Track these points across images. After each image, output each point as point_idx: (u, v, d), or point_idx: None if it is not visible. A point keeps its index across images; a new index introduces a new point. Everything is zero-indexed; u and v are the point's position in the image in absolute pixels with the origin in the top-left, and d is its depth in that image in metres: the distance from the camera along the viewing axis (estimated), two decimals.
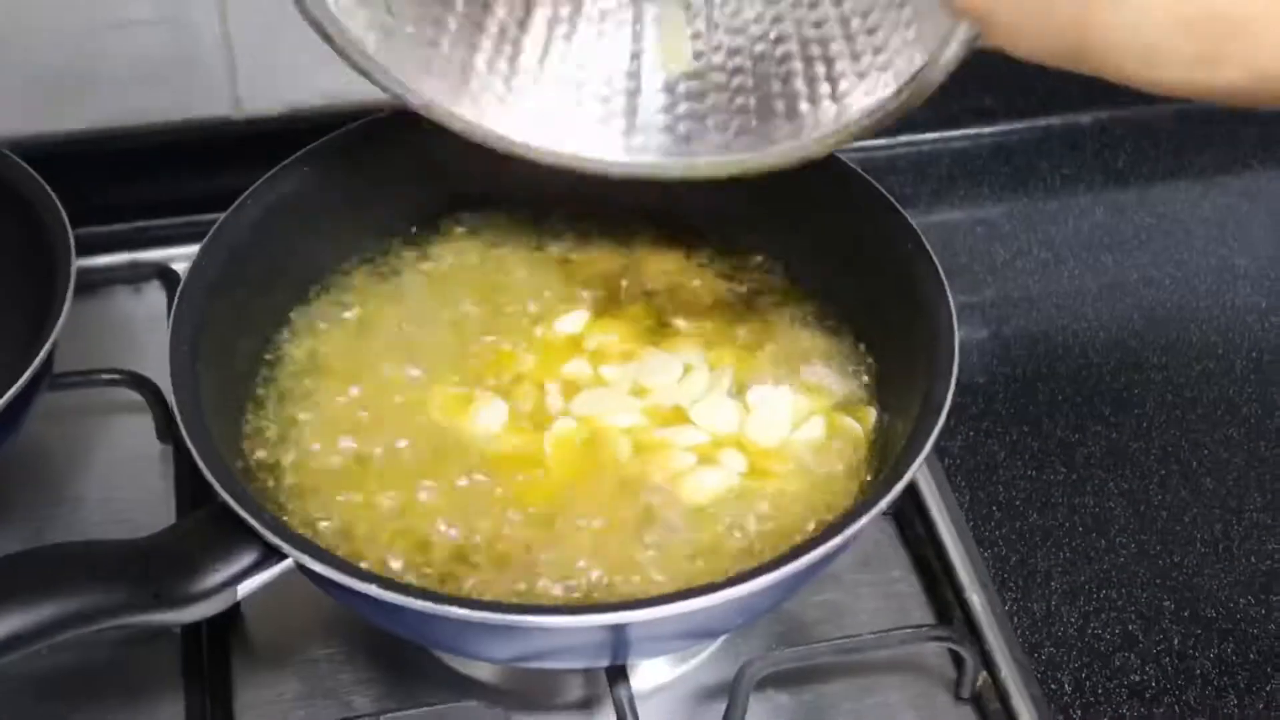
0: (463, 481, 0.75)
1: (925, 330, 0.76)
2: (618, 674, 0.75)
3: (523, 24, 0.78)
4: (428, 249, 0.87)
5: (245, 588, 0.68)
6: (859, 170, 0.82)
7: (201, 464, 0.69)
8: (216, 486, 0.68)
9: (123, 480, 0.87)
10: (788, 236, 0.86)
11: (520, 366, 0.81)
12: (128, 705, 0.77)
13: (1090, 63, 0.54)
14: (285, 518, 0.74)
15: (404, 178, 0.86)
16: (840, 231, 0.83)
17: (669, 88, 0.78)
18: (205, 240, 0.78)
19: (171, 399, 0.72)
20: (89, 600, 0.66)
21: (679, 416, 0.79)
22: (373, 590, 0.65)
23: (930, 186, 1.08)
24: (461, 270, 0.86)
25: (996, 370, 0.96)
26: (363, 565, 0.71)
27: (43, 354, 0.77)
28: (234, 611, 0.74)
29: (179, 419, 0.71)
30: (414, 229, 0.87)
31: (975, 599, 0.81)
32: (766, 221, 0.85)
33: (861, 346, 0.82)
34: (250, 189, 0.80)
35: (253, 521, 0.67)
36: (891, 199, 0.81)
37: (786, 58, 0.74)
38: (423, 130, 0.81)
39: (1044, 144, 1.09)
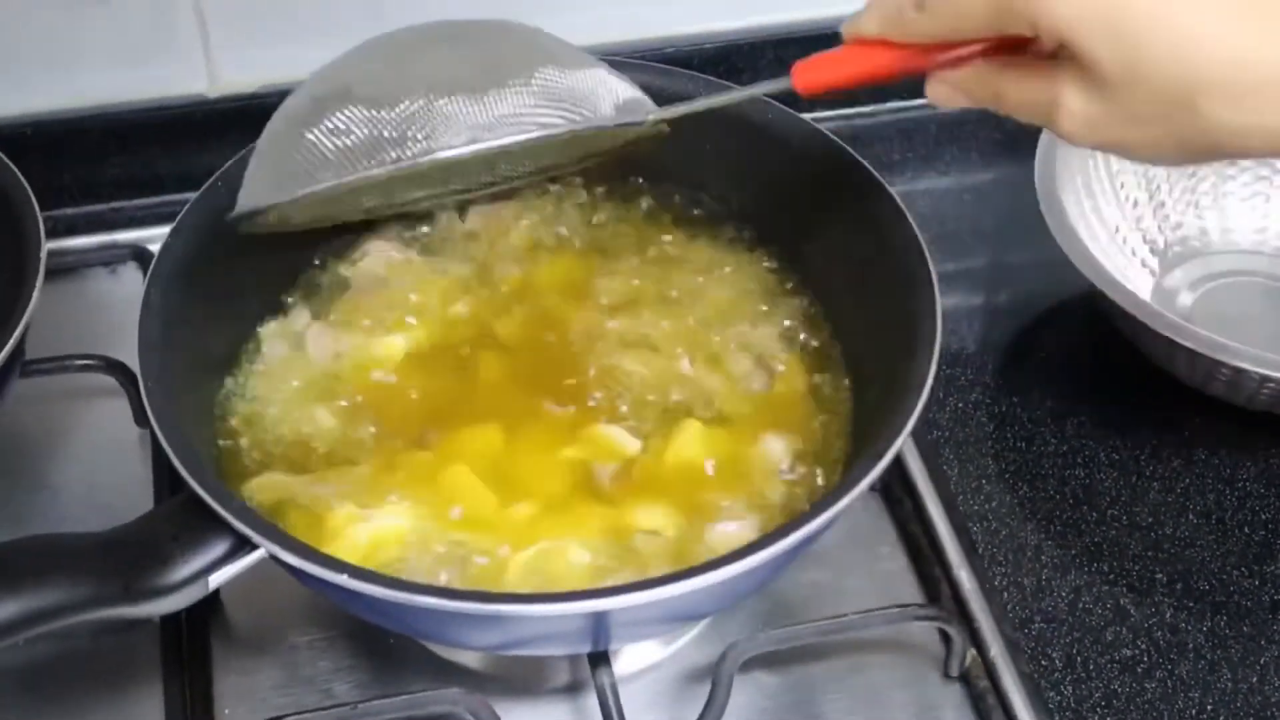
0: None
1: (907, 301, 0.74)
2: (600, 658, 0.73)
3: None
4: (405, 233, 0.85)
5: (217, 579, 0.67)
6: (834, 137, 0.81)
7: (170, 452, 0.68)
8: (185, 476, 0.67)
9: (101, 466, 0.85)
10: (755, 204, 0.84)
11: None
12: (106, 694, 0.76)
13: (1222, 156, 0.62)
14: (258, 506, 0.72)
15: None
16: (815, 201, 0.81)
17: None
18: (174, 224, 0.76)
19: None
20: (56, 596, 0.64)
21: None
22: (344, 580, 0.64)
23: (917, 153, 1.05)
24: (447, 248, 0.84)
25: (986, 339, 0.94)
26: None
27: (12, 341, 0.75)
28: (213, 598, 0.72)
29: (147, 407, 0.69)
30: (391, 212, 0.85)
31: (963, 576, 0.79)
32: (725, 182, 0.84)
33: (835, 315, 0.81)
34: (220, 170, 0.78)
35: (222, 511, 0.66)
36: (866, 164, 0.79)
37: None
38: None
39: None
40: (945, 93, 0.64)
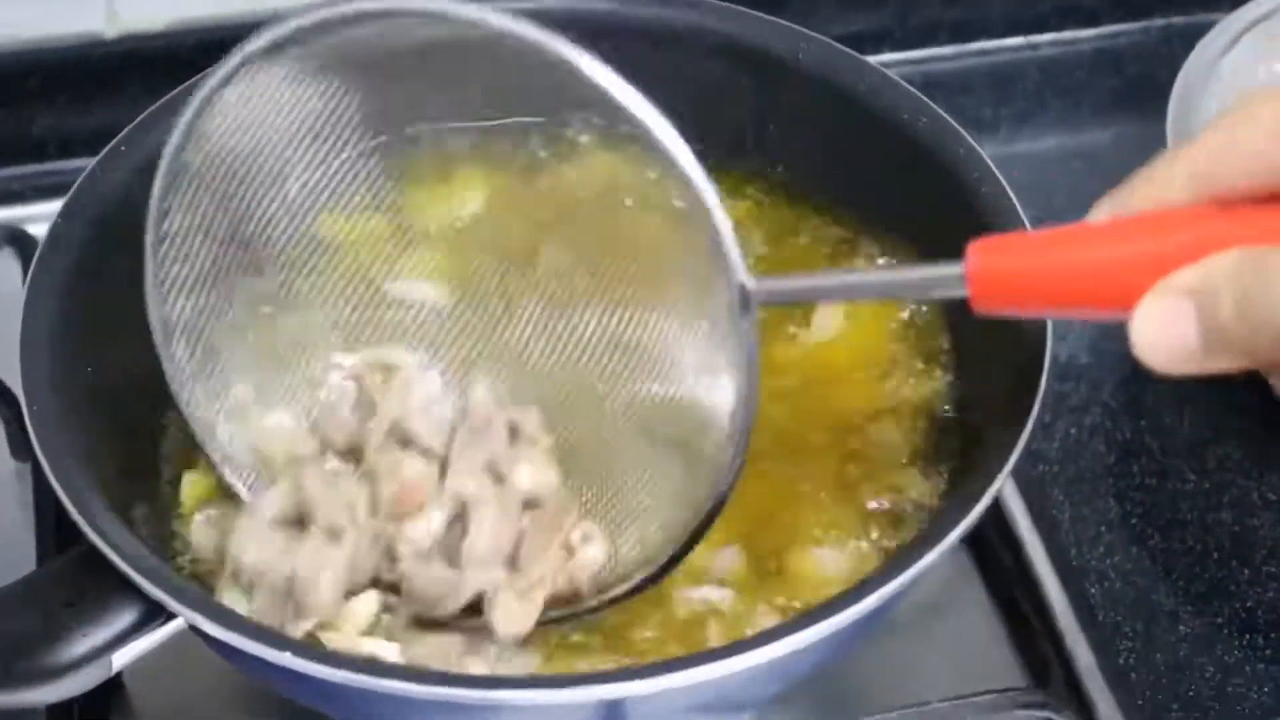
0: None
1: None
2: None
3: None
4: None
5: (122, 657, 0.66)
6: (908, 86, 0.81)
7: (61, 493, 0.68)
8: (81, 524, 0.67)
9: None
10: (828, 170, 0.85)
11: None
12: None
13: None
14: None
15: (324, 110, 0.83)
16: (891, 165, 0.82)
17: None
18: (66, 200, 0.77)
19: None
20: None
21: None
22: (287, 659, 0.63)
23: (1013, 108, 1.07)
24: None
25: (1103, 347, 0.94)
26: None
27: None
28: (114, 680, 0.71)
29: (32, 435, 0.69)
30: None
31: (1080, 652, 0.79)
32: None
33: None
34: (124, 132, 0.78)
35: (130, 571, 0.65)
36: (952, 121, 0.80)
37: None
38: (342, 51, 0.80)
39: (1161, 50, 1.07)
40: (1164, 308, 0.58)
